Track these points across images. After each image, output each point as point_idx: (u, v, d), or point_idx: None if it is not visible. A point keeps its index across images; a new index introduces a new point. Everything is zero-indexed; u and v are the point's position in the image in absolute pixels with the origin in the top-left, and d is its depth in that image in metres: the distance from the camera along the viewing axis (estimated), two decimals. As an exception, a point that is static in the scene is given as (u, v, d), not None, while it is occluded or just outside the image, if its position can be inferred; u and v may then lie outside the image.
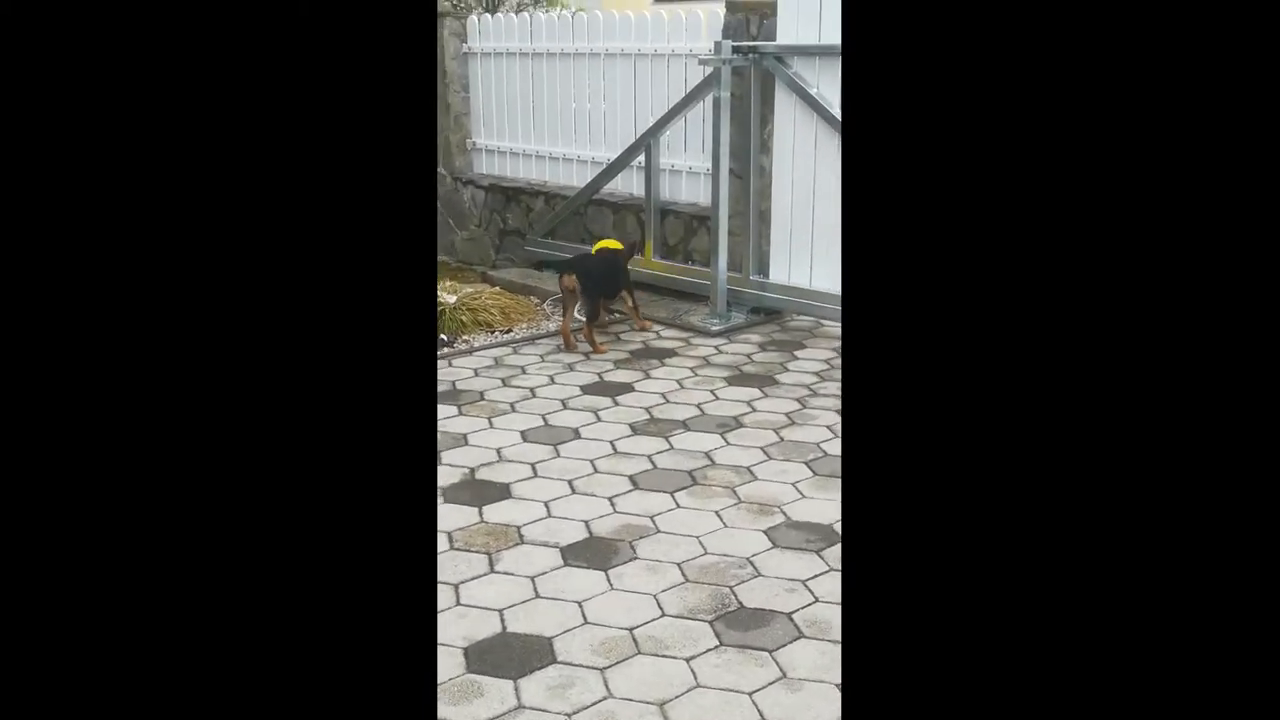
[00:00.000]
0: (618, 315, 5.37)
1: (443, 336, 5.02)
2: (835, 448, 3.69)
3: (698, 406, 4.14)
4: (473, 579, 2.81)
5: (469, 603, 2.69)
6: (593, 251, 5.29)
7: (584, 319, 5.00)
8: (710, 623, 2.61)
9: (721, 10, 5.41)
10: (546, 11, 6.32)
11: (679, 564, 2.90)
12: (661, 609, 2.67)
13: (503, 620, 2.61)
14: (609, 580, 2.81)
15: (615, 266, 5.12)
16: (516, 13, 6.81)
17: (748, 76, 5.10)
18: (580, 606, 2.68)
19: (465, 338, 5.09)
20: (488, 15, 6.76)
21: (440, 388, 4.35)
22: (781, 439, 3.80)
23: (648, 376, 4.51)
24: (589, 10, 6.53)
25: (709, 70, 5.10)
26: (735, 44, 5.04)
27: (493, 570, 2.86)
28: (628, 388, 4.37)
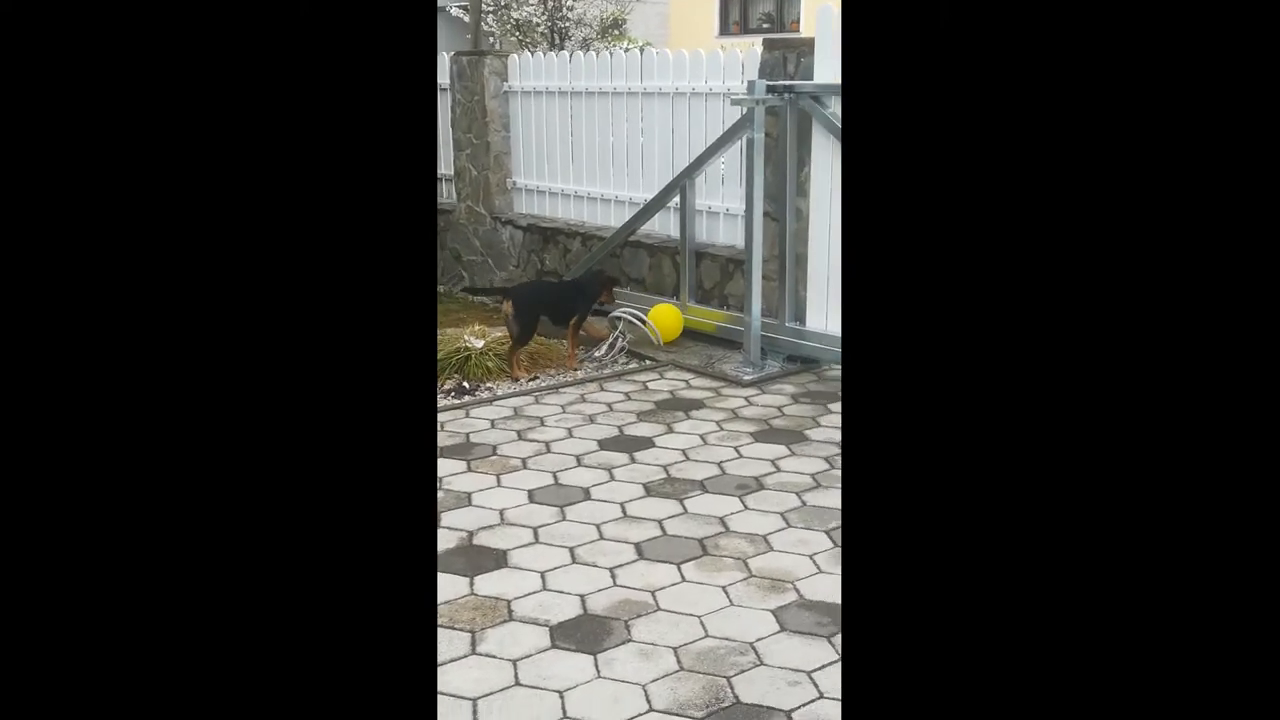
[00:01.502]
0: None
1: (464, 384, 4.88)
2: (860, 515, 3.43)
3: (719, 465, 3.92)
4: (450, 662, 2.62)
5: (442, 689, 2.50)
6: (647, 315, 5.42)
7: (511, 342, 5.11)
8: (700, 720, 2.38)
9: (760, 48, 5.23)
10: (613, 51, 6.18)
11: (675, 648, 2.68)
12: (649, 702, 2.45)
13: (475, 712, 2.42)
14: (597, 666, 2.60)
15: (564, 294, 5.31)
16: (584, 51, 6.70)
17: (784, 116, 4.90)
18: (561, 697, 2.47)
19: (489, 385, 4.94)
20: (527, 54, 6.67)
21: (453, 440, 4.20)
22: (804, 504, 3.57)
23: (670, 430, 4.31)
24: (655, 47, 6.40)
25: (744, 110, 4.91)
26: (770, 83, 4.85)
27: (474, 651, 2.67)
28: (648, 443, 4.17)
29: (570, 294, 5.31)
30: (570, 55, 6.40)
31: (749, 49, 5.41)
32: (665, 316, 5.46)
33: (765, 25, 20.33)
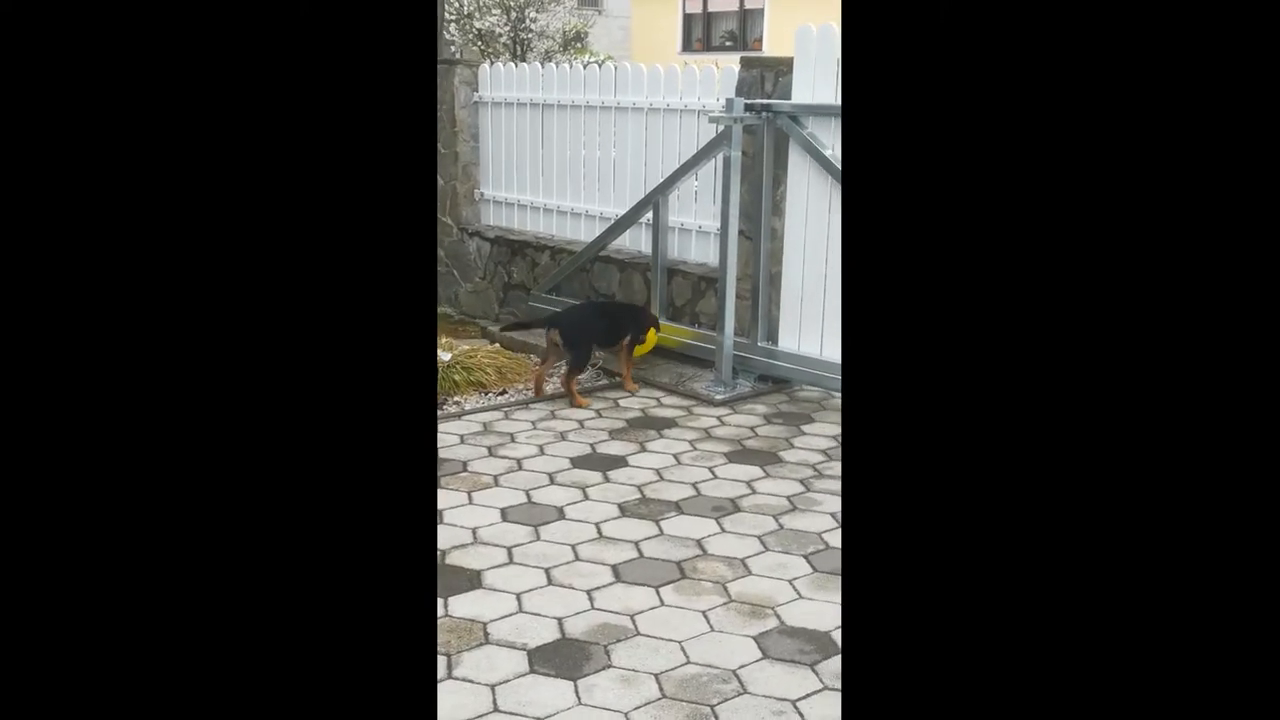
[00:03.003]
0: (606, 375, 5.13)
1: (432, 398, 4.78)
2: (839, 539, 3.41)
3: (693, 486, 3.88)
4: (426, 687, 2.54)
5: (418, 717, 2.41)
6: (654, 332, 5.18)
7: (566, 369, 4.94)
8: (685, 750, 2.33)
9: (737, 66, 5.21)
10: (572, 63, 6.13)
11: (656, 675, 2.62)
12: (632, 731, 2.39)
13: (453, 740, 2.34)
14: (577, 693, 2.54)
15: (612, 317, 5.15)
16: (543, 63, 6.64)
17: (760, 135, 4.89)
18: (542, 725, 2.40)
19: (456, 399, 4.85)
20: (499, 64, 6.60)
21: (422, 455, 4.11)
22: (781, 527, 3.53)
23: (643, 449, 4.25)
24: (617, 61, 6.36)
25: (720, 128, 4.89)
26: (748, 101, 4.83)
27: (450, 675, 2.59)
28: (621, 461, 4.10)
29: (624, 315, 5.17)
30: (542, 66, 6.34)
31: (723, 67, 5.40)
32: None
33: (728, 44, 20.46)
